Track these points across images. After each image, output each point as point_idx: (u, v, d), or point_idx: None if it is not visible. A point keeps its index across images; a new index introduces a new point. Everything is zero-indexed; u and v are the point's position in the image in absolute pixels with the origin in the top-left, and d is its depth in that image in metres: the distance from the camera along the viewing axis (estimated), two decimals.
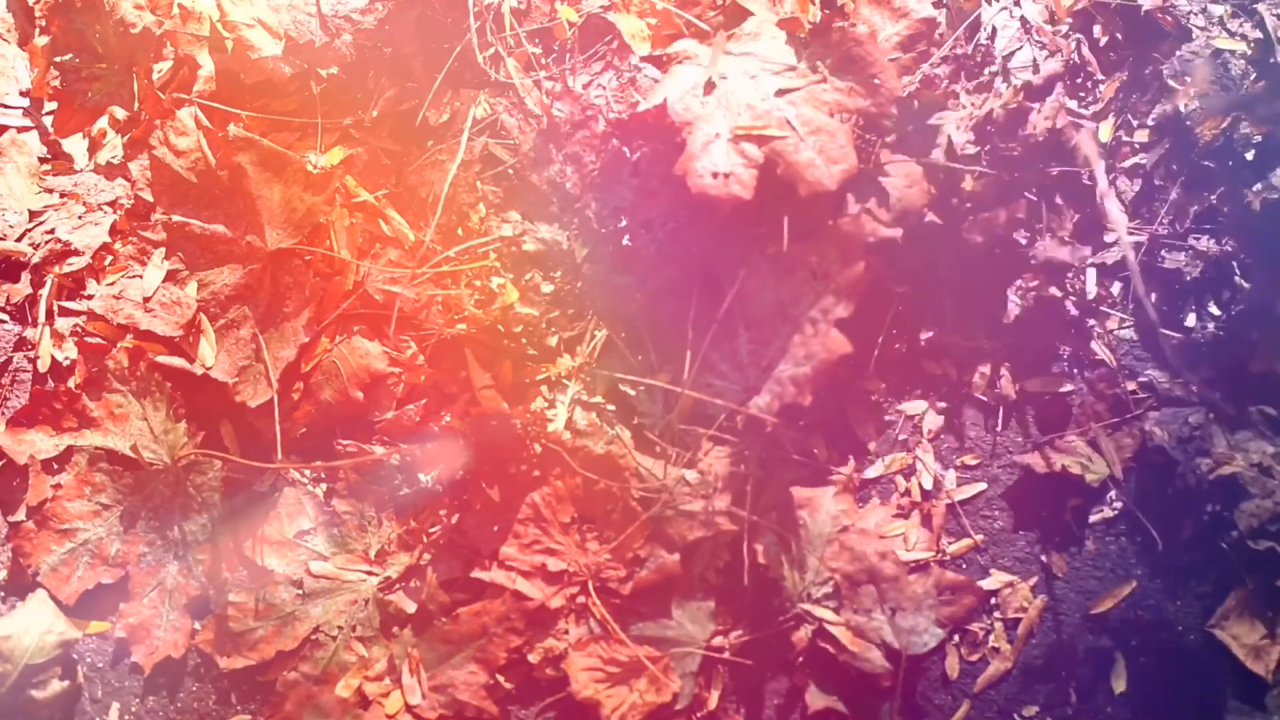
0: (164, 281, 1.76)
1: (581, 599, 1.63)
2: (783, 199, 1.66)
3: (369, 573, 1.66)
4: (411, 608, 1.63)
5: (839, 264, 1.62)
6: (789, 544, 1.62)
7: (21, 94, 1.97)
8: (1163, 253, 1.79)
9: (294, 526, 1.68)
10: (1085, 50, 1.86)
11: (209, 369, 1.73)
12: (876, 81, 1.63)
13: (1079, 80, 1.87)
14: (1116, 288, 1.78)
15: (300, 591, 1.65)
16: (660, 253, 1.75)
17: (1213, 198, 1.77)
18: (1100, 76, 1.87)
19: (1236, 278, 1.74)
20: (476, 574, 1.63)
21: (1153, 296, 1.76)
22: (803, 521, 1.63)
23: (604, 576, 1.62)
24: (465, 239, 1.76)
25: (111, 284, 1.78)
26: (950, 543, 1.67)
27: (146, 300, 1.75)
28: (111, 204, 1.87)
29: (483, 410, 1.69)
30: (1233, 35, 1.81)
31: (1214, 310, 1.74)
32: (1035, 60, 1.80)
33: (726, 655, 1.60)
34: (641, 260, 1.75)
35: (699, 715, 1.58)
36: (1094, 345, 1.75)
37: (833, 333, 1.59)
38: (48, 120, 1.95)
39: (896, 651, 1.57)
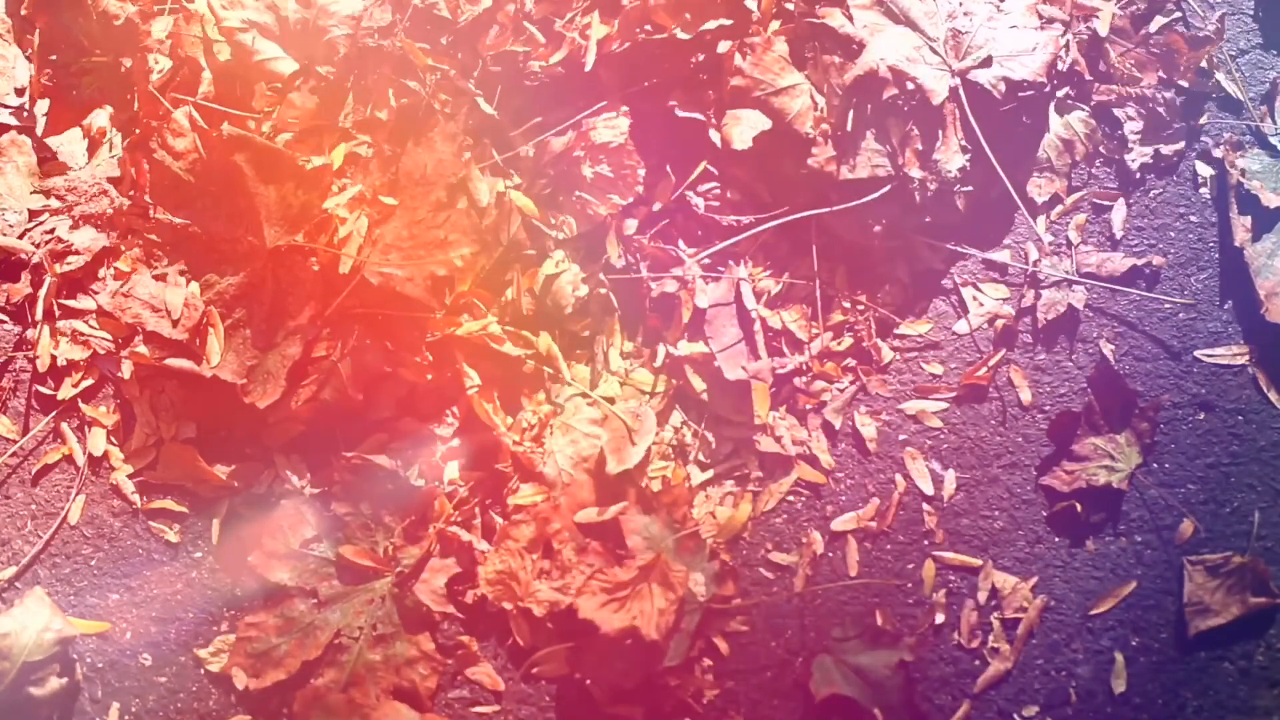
0: (166, 283, 1.76)
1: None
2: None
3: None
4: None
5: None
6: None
7: (18, 93, 1.96)
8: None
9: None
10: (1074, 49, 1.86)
11: (216, 370, 1.71)
12: None
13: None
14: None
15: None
16: (657, 244, 1.76)
17: None
18: (1089, 77, 1.88)
19: None
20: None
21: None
22: None
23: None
24: (464, 236, 1.75)
25: (119, 282, 1.77)
26: (948, 542, 1.68)
27: (153, 301, 1.74)
28: (111, 203, 1.87)
29: (480, 407, 1.69)
30: None
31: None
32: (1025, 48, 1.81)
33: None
34: (639, 255, 1.76)
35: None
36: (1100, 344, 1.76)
37: None
38: (43, 119, 1.94)
39: None
